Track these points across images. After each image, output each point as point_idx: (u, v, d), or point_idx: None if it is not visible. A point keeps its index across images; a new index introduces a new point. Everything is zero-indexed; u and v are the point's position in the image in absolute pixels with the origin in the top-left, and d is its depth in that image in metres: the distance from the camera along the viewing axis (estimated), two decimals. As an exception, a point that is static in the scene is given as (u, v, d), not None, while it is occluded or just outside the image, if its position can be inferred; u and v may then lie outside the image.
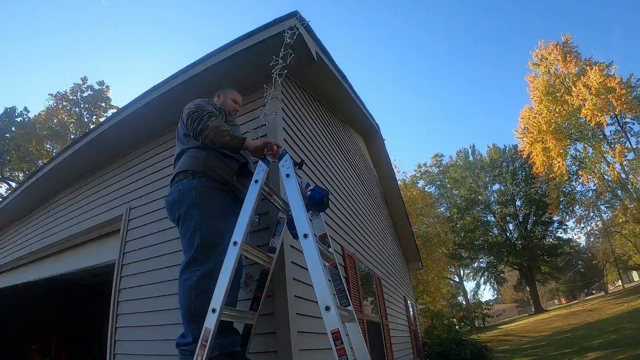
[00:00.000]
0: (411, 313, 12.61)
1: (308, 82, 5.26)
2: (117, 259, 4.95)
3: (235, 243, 2.53)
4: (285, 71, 3.62)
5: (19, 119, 31.37)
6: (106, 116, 29.90)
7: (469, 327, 21.02)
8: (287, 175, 2.76)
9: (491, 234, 54.11)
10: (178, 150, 3.15)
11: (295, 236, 3.09)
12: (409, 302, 12.77)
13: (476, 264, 57.86)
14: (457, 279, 58.41)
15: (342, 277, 2.79)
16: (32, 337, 11.59)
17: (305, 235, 2.42)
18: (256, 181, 2.79)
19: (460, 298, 59.46)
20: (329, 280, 2.36)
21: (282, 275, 3.25)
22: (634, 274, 57.88)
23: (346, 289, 2.75)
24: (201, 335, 2.35)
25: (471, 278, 62.75)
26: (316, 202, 2.92)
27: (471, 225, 52.26)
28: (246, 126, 4.16)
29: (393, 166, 11.60)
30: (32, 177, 7.37)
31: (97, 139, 5.61)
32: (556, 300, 73.93)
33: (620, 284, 55.20)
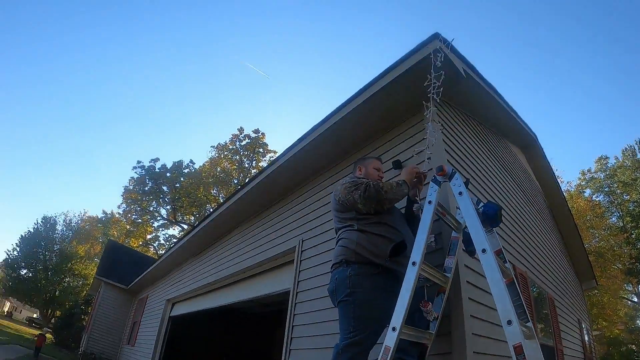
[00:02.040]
0: (586, 338, 11.59)
1: (458, 100, 5.22)
2: (291, 287, 5.31)
3: (414, 263, 2.63)
4: (441, 89, 3.65)
5: (186, 170, 35.62)
6: (264, 160, 33.06)
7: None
8: (460, 193, 2.80)
9: None
10: (335, 226, 3.34)
11: (471, 254, 3.10)
12: (583, 325, 11.77)
13: (657, 279, 51.04)
14: (635, 300, 52.01)
15: (519, 292, 2.72)
16: (204, 357, 12.61)
17: (484, 250, 2.44)
18: (430, 202, 2.89)
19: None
20: (508, 291, 2.32)
21: (458, 294, 3.25)
22: None
23: (524, 305, 2.67)
24: (381, 352, 2.43)
25: (652, 296, 55.55)
26: (489, 217, 2.89)
27: None
28: (406, 154, 4.30)
29: (555, 174, 10.91)
30: (206, 219, 8.19)
31: (263, 181, 6.24)
32: None
33: None
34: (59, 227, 43.88)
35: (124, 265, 19.42)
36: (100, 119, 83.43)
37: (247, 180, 7.31)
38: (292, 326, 5.04)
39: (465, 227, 2.86)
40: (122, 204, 35.48)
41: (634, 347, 16.06)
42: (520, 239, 6.21)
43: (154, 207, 36.24)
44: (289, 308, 5.17)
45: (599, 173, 46.81)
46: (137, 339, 14.01)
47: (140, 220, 36.58)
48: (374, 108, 4.58)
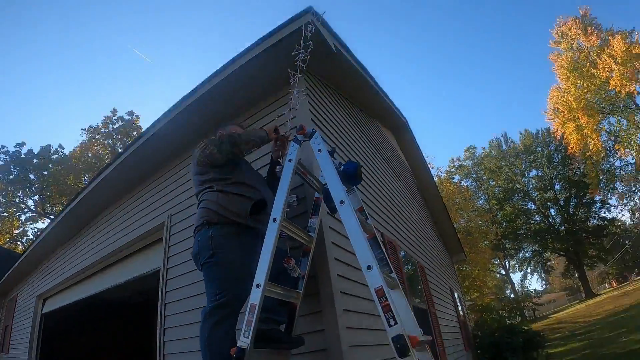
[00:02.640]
0: (459, 306, 12.48)
1: (330, 77, 5.30)
2: (162, 265, 5.10)
3: (274, 220, 2.62)
4: (308, 57, 3.66)
5: (55, 156, 32.80)
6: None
7: (519, 319, 20.61)
8: (319, 150, 2.83)
9: (533, 221, 52.71)
10: (196, 190, 3.25)
11: (333, 210, 3.16)
12: (455, 294, 12.66)
13: (521, 254, 56.27)
14: (503, 272, 57.01)
15: (381, 246, 2.81)
16: (83, 354, 11.98)
17: (342, 202, 2.47)
18: (290, 160, 2.90)
19: (508, 291, 58.02)
20: (369, 244, 2.38)
21: (324, 254, 3.31)
22: (686, 245, 55.43)
23: (387, 257, 2.77)
24: (247, 310, 2.41)
25: (517, 269, 61.05)
26: (349, 175, 2.95)
27: (512, 215, 51.15)
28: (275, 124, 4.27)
29: (426, 160, 11.55)
30: (72, 202, 7.68)
31: (130, 157, 5.86)
32: (607, 284, 71.05)
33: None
34: None
35: None
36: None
37: (117, 154, 6.90)
38: (165, 304, 4.88)
39: (326, 184, 2.92)
40: None
41: (504, 313, 17.50)
42: (388, 210, 6.49)
43: (20, 198, 33.06)
44: (160, 286, 4.99)
45: (467, 161, 51.30)
46: (12, 344, 12.70)
47: (5, 214, 33.40)
48: (244, 80, 4.51)
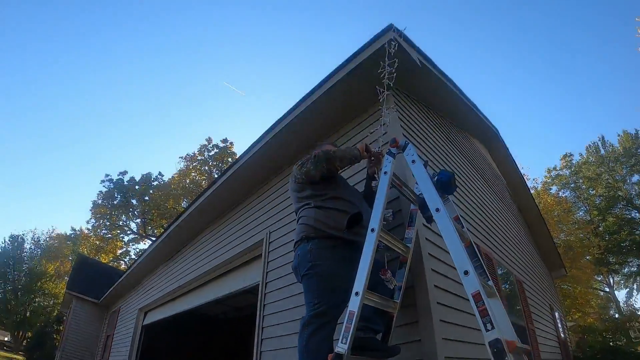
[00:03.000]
0: (559, 325, 11.87)
1: (418, 92, 5.33)
2: (260, 279, 5.33)
3: (372, 230, 2.69)
4: (394, 74, 3.75)
5: (155, 183, 35.22)
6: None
7: (624, 340, 19.14)
8: (413, 162, 2.90)
9: (638, 232, 48.50)
10: (295, 207, 3.43)
11: (430, 219, 3.19)
12: (556, 312, 12.06)
13: (626, 269, 51.84)
14: (607, 289, 52.93)
15: (478, 255, 2.81)
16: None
17: (437, 210, 2.53)
18: (385, 172, 2.98)
19: (612, 311, 53.74)
20: (466, 250, 2.39)
21: (420, 265, 3.35)
22: None
23: (484, 266, 2.77)
24: (345, 316, 2.48)
25: (622, 286, 56.44)
26: (444, 184, 2.99)
27: (615, 226, 46.80)
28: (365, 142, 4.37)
29: (521, 171, 11.20)
30: (174, 222, 8.19)
31: (229, 179, 6.30)
32: None
33: None
34: (27, 246, 42.92)
35: (94, 279, 18.85)
36: (66, 132, 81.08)
37: (214, 179, 7.34)
38: (263, 316, 5.07)
39: (421, 193, 2.96)
40: (91, 219, 34.53)
41: (607, 334, 16.36)
42: (483, 222, 6.37)
43: (123, 221, 35.43)
44: (259, 300, 5.19)
45: (564, 170, 47.93)
46: (112, 352, 13.66)
47: (110, 235, 35.80)
48: (333, 100, 4.67)
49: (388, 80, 3.73)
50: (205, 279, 7.64)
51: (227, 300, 9.40)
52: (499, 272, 6.45)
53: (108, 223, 34.94)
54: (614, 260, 47.94)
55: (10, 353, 29.66)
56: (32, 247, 43.95)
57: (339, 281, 2.89)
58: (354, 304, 2.49)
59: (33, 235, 45.31)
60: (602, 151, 50.08)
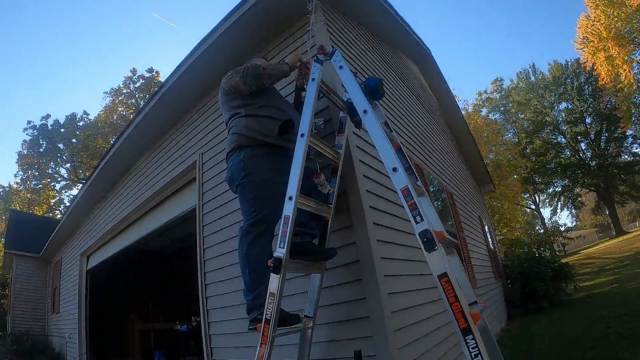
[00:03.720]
0: (489, 236, 12.59)
1: (349, 9, 5.25)
2: (197, 203, 5.30)
3: (302, 135, 2.71)
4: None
5: (81, 123, 33.49)
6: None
7: (549, 253, 20.59)
8: (340, 67, 2.90)
9: (563, 156, 51.25)
10: (225, 118, 3.38)
11: (358, 124, 3.26)
12: (485, 225, 12.75)
13: (551, 189, 55.24)
14: (533, 207, 56.33)
15: (406, 157, 2.89)
16: (129, 305, 12.52)
17: (365, 112, 2.56)
18: (313, 79, 2.97)
19: (538, 227, 57.45)
20: (395, 150, 2.45)
21: (352, 171, 3.42)
22: None
23: (412, 167, 2.86)
24: (281, 221, 2.54)
25: (547, 204, 60.28)
26: (372, 89, 3.03)
27: (542, 149, 49.68)
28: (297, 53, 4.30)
29: (453, 93, 11.44)
30: (101, 163, 7.97)
31: (156, 106, 6.09)
32: (637, 222, 69.69)
33: None
34: None
35: (32, 234, 18.01)
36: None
37: (136, 111, 7.06)
38: (203, 237, 5.10)
39: (349, 99, 2.99)
40: (18, 171, 32.95)
41: (533, 246, 17.45)
42: (415, 137, 6.54)
43: (52, 169, 33.99)
44: (197, 222, 5.20)
45: (494, 94, 49.30)
46: (62, 304, 13.44)
47: (40, 186, 34.24)
48: (261, 14, 4.48)
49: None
50: (142, 210, 7.54)
51: (166, 232, 9.32)
52: (432, 189, 6.69)
53: (37, 173, 33.34)
54: (539, 180, 51.06)
55: None
56: None
57: (273, 188, 2.91)
58: (288, 209, 2.55)
59: None
60: (533, 78, 51.92)
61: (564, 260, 13.82)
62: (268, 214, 2.92)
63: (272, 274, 2.50)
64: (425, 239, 2.05)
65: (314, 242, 3.16)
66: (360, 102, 2.62)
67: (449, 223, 7.33)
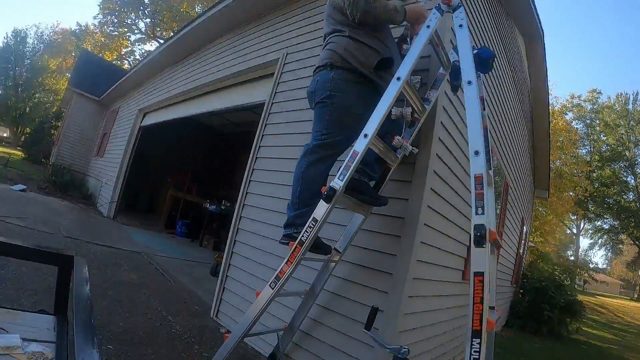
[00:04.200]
0: (523, 239, 12.37)
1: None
2: (267, 99, 5.27)
3: (398, 78, 2.61)
4: None
5: None
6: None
7: (569, 282, 20.18)
8: (460, 26, 2.75)
9: (625, 197, 49.04)
10: (326, 31, 3.17)
11: (455, 89, 3.15)
12: (525, 226, 12.51)
13: (599, 222, 53.49)
14: (574, 230, 54.81)
15: (489, 140, 2.80)
16: (168, 171, 12.97)
17: (469, 82, 2.46)
18: (428, 26, 2.81)
19: (570, 253, 56.19)
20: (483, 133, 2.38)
21: (431, 130, 3.33)
22: None
23: (490, 153, 2.77)
24: (349, 155, 2.51)
25: (589, 236, 58.55)
26: (483, 60, 2.87)
27: (608, 180, 47.42)
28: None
29: (548, 85, 10.91)
30: (187, 27, 7.97)
31: None
32: None
33: None
34: (29, 41, 41.84)
35: (97, 77, 18.39)
36: None
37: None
38: (262, 135, 5.13)
39: (457, 60, 2.86)
40: (98, 14, 33.58)
41: (557, 269, 17.18)
42: (498, 118, 6.32)
43: (132, 20, 34.37)
44: (262, 117, 5.20)
45: (587, 103, 47.10)
46: (107, 150, 14.03)
47: (116, 33, 34.83)
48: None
49: None
50: (211, 88, 7.57)
51: (226, 113, 9.46)
52: (494, 164, 6.51)
53: (116, 20, 33.78)
54: (592, 208, 49.09)
55: (8, 148, 29.85)
56: (35, 42, 42.90)
57: (352, 118, 2.86)
58: (360, 145, 2.51)
59: (36, 30, 44.31)
60: (630, 106, 48.78)
61: (579, 297, 13.58)
62: (338, 141, 2.90)
63: (322, 201, 2.50)
64: (478, 234, 2.03)
65: (370, 184, 3.14)
66: (468, 70, 2.50)
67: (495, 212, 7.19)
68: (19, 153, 25.49)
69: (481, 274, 1.94)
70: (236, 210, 5.11)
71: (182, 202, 12.09)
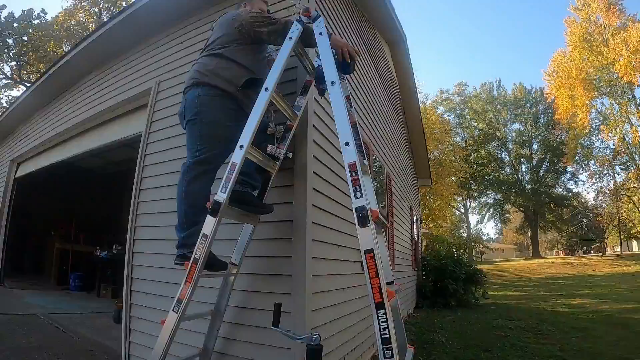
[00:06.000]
0: (415, 226, 13.00)
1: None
2: (144, 130, 5.18)
3: (266, 89, 2.75)
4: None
5: (36, 21, 30.98)
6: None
7: (467, 256, 21.54)
8: (320, 34, 2.91)
9: (503, 172, 53.93)
10: (208, 42, 3.31)
11: (322, 92, 3.32)
12: (414, 212, 13.17)
13: (484, 199, 57.94)
14: (462, 211, 58.55)
15: (359, 134, 3.00)
16: (52, 222, 12.16)
17: (333, 82, 2.61)
18: (290, 38, 2.96)
19: (462, 231, 59.85)
20: (350, 124, 2.55)
21: (304, 135, 3.51)
22: (635, 243, 57.47)
23: (362, 146, 2.96)
24: (227, 167, 2.60)
25: (476, 212, 62.91)
26: (344, 63, 3.06)
27: (485, 160, 51.99)
28: (278, 7, 4.24)
29: (416, 84, 11.61)
30: (52, 67, 7.63)
31: (121, 22, 5.81)
32: (554, 252, 74.08)
33: (619, 249, 54.36)
34: None
35: None
36: None
37: (106, 20, 6.70)
38: (143, 166, 5.03)
39: (320, 65, 3.04)
40: None
41: (454, 247, 18.24)
42: (370, 116, 6.65)
43: (-4, 64, 32.03)
44: (140, 148, 5.10)
45: (455, 96, 51.05)
46: None
47: (-20, 79, 32.35)
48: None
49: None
50: (85, 126, 7.25)
51: (105, 152, 9.04)
52: (374, 169, 6.85)
53: None
54: (475, 187, 53.40)
55: None
56: None
57: (223, 131, 2.95)
58: (237, 156, 2.60)
59: None
60: (495, 92, 54.02)
61: (479, 267, 14.56)
62: (213, 156, 2.98)
63: (208, 216, 2.57)
64: (360, 215, 2.17)
65: (254, 194, 3.22)
66: (330, 72, 2.66)
67: (381, 205, 7.53)
68: None
69: (371, 250, 2.07)
70: (127, 247, 4.96)
71: (72, 254, 11.41)
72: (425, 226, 27.05)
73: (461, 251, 18.33)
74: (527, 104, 52.04)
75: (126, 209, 5.14)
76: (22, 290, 9.54)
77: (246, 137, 2.62)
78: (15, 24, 29.98)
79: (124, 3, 30.66)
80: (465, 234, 52.78)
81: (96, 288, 9.99)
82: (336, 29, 4.92)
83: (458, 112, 52.43)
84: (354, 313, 4.66)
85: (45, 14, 32.31)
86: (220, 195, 2.56)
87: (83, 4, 31.91)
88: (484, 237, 52.40)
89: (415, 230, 12.88)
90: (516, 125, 54.06)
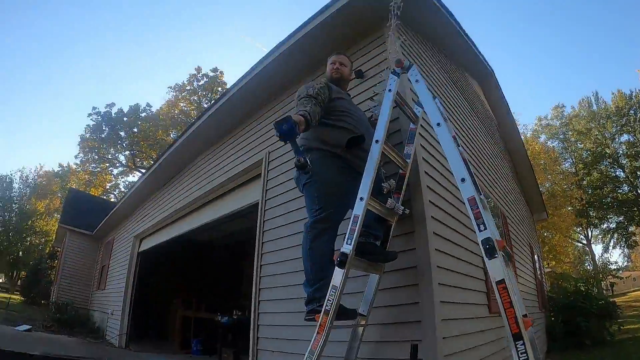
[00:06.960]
0: (537, 264, 12.37)
1: (419, 25, 5.34)
2: (260, 198, 5.54)
3: (377, 141, 2.89)
4: (402, 3, 3.84)
5: (143, 114, 34.80)
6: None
7: (596, 291, 19.91)
8: (417, 81, 3.05)
9: (620, 191, 49.31)
10: None
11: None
12: (535, 251, 12.54)
13: (605, 224, 53.18)
14: (584, 242, 54.31)
15: (471, 170, 3.02)
16: (173, 291, 12.91)
17: (439, 124, 2.72)
18: (389, 90, 3.12)
19: (588, 264, 55.48)
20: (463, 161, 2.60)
21: (417, 181, 3.58)
22: None
23: (475, 181, 2.98)
24: (350, 220, 2.71)
25: (600, 241, 58.06)
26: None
27: (599, 182, 47.82)
28: (368, 65, 4.55)
29: (513, 116, 11.37)
30: (169, 149, 8.38)
31: (228, 102, 6.42)
32: None
33: None
34: (15, 186, 42.63)
35: (87, 212, 18.76)
36: (49, 67, 79.06)
37: (210, 104, 7.39)
38: (263, 232, 5.31)
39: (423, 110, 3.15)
40: (79, 153, 34.39)
41: (580, 283, 17.02)
42: (474, 155, 6.58)
43: (112, 154, 35.48)
44: (259, 216, 5.42)
45: (554, 120, 48.20)
46: (108, 282, 14.05)
47: (98, 169, 35.86)
48: (338, 24, 4.72)
49: (397, 9, 3.82)
50: (201, 202, 7.84)
51: (219, 225, 9.63)
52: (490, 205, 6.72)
53: (96, 157, 34.83)
54: (594, 214, 48.87)
55: (5, 294, 29.70)
56: (21, 186, 43.73)
57: (339, 188, 3.10)
58: (358, 208, 2.71)
59: (21, 175, 45.00)
60: (595, 107, 49.91)
61: (610, 300, 13.42)
62: (332, 213, 3.11)
63: (336, 268, 2.65)
64: (487, 246, 2.20)
65: (377, 244, 3.30)
66: (434, 114, 2.77)
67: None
68: (17, 297, 25.09)
69: (502, 281, 2.07)
70: (252, 308, 5.15)
71: (193, 321, 11.97)
72: (547, 264, 25.53)
73: (588, 285, 17.02)
74: (631, 111, 47.40)
75: (245, 277, 5.37)
76: (147, 354, 10.12)
77: (365, 189, 2.74)
78: (125, 118, 33.84)
79: (220, 89, 33.12)
80: (591, 267, 48.72)
81: (218, 352, 10.34)
82: (425, 74, 5.03)
83: (561, 136, 49.15)
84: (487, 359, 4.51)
85: (151, 107, 35.62)
86: (347, 247, 2.65)
87: (183, 94, 34.99)
88: (612, 267, 48.00)
89: (538, 269, 12.23)
90: (625, 137, 49.21)
